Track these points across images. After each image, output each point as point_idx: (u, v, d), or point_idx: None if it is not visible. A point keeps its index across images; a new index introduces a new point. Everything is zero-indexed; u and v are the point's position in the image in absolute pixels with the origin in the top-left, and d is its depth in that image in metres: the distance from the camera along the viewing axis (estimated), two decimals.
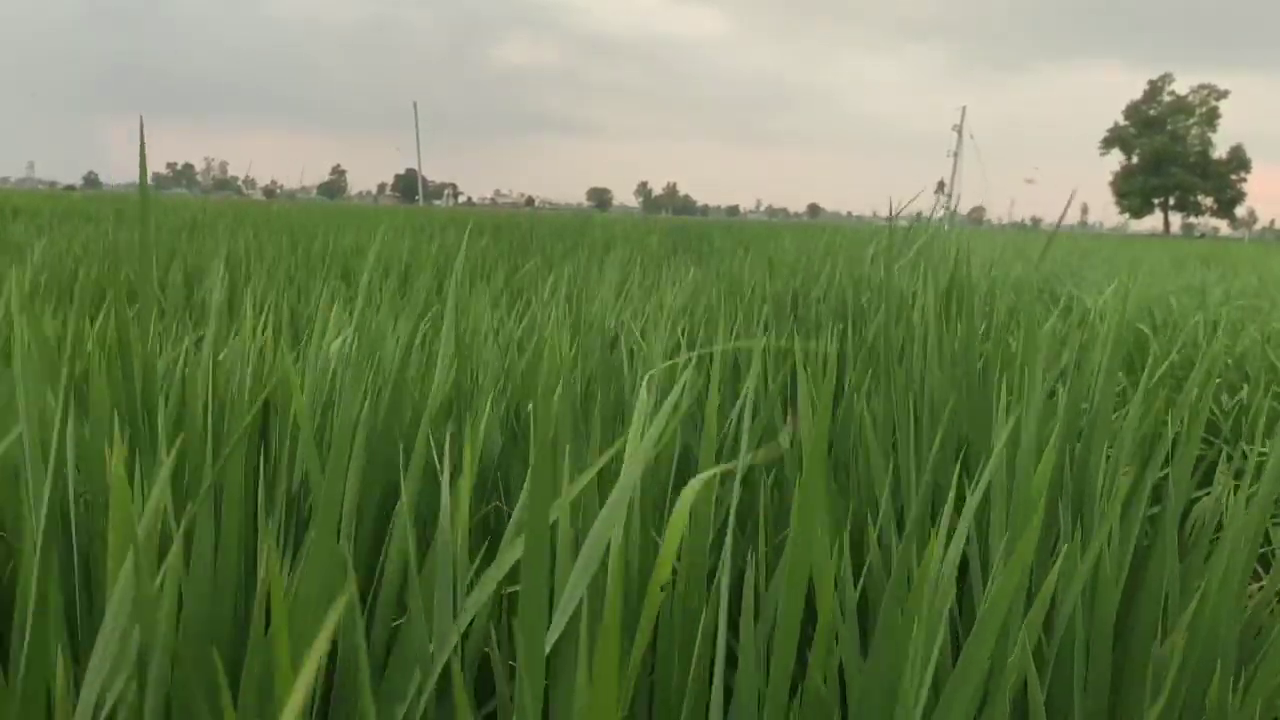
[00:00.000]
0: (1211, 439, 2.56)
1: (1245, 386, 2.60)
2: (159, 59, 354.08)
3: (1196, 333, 3.01)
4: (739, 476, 0.82)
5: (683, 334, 1.74)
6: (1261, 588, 1.15)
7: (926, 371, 1.22)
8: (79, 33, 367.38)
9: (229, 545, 0.73)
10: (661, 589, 0.64)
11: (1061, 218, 2.67)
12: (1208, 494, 1.26)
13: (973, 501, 0.76)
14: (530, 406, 1.06)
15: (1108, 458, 1.04)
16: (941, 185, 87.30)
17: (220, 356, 0.93)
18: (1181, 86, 76.00)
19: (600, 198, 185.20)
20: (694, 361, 1.14)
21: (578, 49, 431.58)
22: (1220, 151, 74.36)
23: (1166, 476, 1.13)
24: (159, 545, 0.69)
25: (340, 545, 0.74)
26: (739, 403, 1.10)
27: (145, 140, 0.81)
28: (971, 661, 0.66)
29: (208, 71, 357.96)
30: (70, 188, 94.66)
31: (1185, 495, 1.00)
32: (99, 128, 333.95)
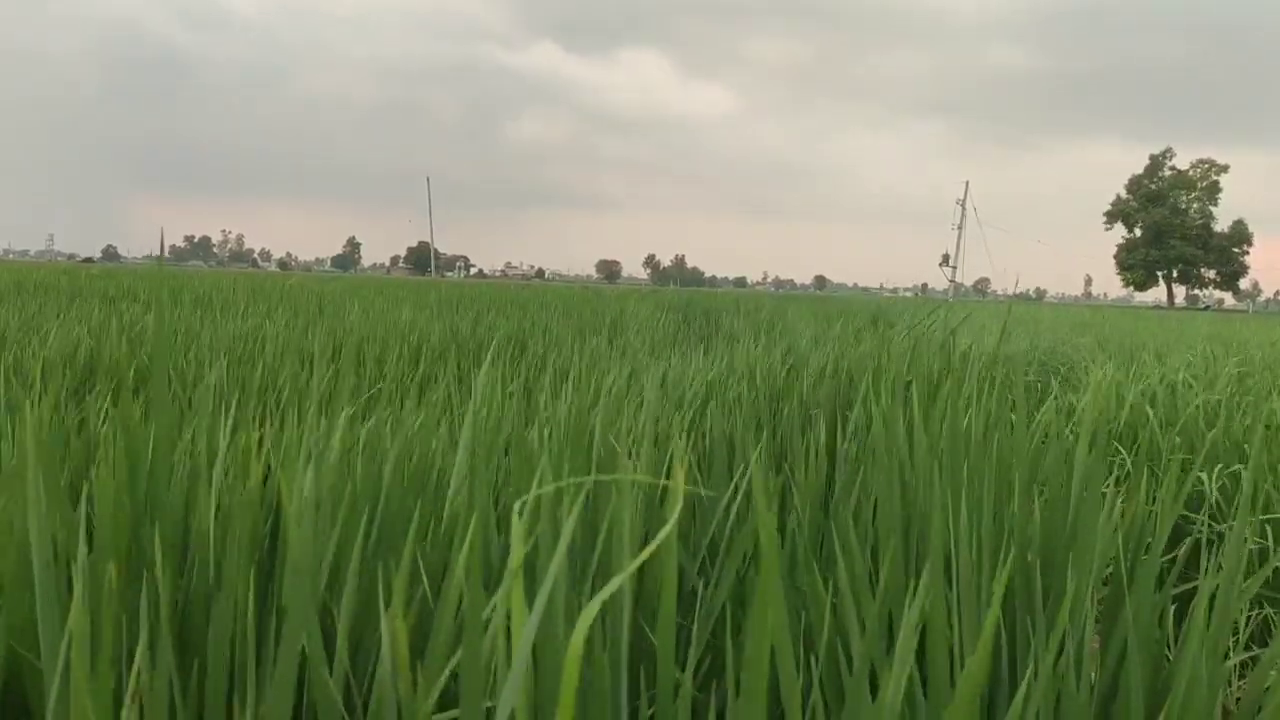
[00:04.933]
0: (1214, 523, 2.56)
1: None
2: (178, 135, 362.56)
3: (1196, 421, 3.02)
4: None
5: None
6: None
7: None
8: (100, 108, 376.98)
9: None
10: None
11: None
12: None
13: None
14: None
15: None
16: (946, 258, 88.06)
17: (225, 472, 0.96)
18: (1182, 161, 77.03)
19: (609, 270, 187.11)
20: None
21: (589, 125, 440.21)
22: (1222, 225, 74.95)
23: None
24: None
25: None
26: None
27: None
28: None
29: (225, 146, 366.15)
30: (89, 260, 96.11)
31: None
32: (117, 202, 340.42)
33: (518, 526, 0.52)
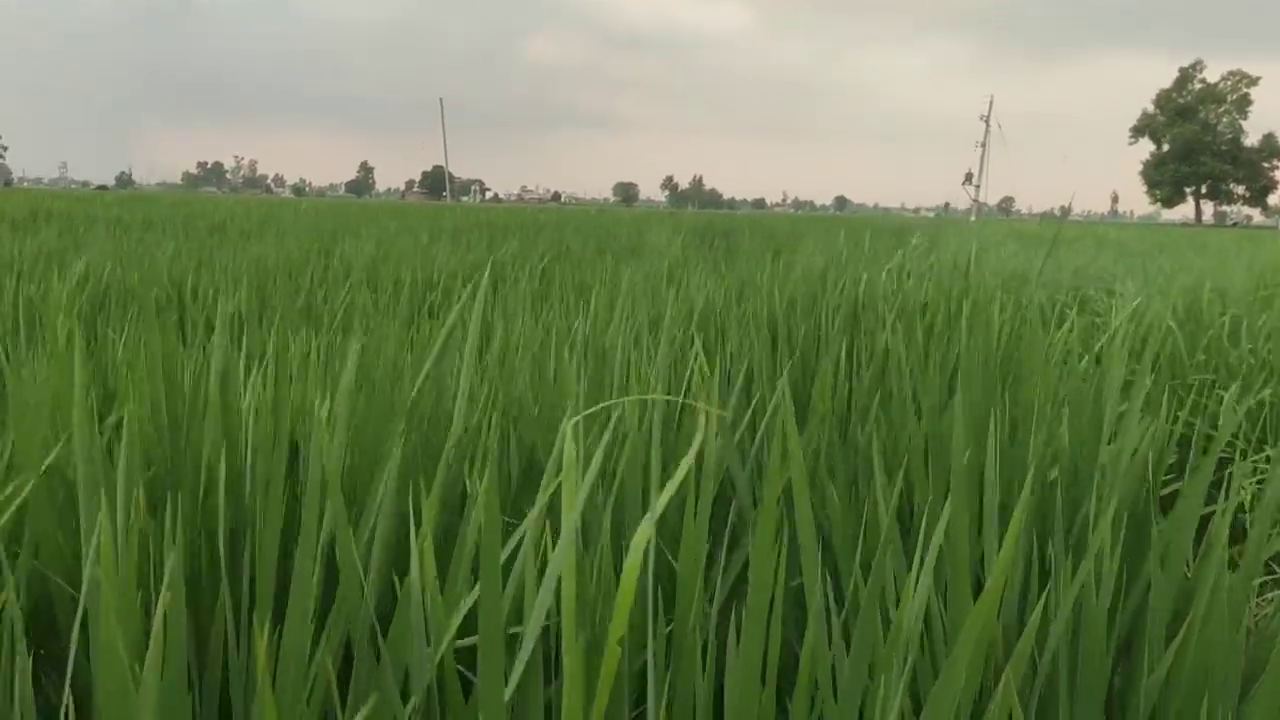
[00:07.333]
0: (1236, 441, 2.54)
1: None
2: (191, 60, 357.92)
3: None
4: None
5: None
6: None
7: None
8: (112, 35, 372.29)
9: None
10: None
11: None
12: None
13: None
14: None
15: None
16: (970, 176, 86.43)
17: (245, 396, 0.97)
18: (1212, 74, 74.68)
19: (626, 192, 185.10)
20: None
21: (604, 44, 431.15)
22: (1252, 139, 73.04)
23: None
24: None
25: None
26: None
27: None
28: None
29: (238, 72, 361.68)
30: (103, 188, 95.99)
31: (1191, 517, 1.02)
32: (131, 128, 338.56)
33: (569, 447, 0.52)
